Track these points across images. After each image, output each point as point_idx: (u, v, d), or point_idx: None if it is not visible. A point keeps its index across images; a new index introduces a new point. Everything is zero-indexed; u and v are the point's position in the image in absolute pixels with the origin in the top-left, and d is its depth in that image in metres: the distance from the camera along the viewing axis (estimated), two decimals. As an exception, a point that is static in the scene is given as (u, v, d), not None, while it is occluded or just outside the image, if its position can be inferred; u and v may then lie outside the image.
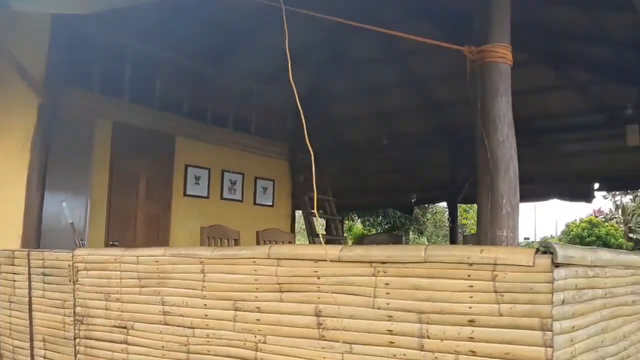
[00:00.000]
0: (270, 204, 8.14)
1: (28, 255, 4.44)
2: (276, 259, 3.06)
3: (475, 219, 20.35)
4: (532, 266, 2.33)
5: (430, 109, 10.03)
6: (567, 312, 2.45)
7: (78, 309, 4.03)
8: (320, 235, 7.27)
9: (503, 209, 2.66)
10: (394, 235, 6.09)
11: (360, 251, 2.81)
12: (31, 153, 5.09)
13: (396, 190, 11.96)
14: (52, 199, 5.64)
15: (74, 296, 4.05)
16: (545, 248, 2.33)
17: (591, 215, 16.52)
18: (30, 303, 4.33)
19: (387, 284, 2.71)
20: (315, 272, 2.92)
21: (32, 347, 4.30)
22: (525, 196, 10.44)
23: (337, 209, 11.32)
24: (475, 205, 21.41)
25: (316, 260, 2.92)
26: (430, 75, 9.07)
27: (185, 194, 7.02)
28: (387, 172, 11.93)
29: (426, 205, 17.46)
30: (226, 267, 3.27)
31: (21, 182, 5.12)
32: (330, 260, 2.86)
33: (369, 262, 2.75)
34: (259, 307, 3.13)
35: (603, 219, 16.48)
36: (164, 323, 3.55)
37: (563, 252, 2.33)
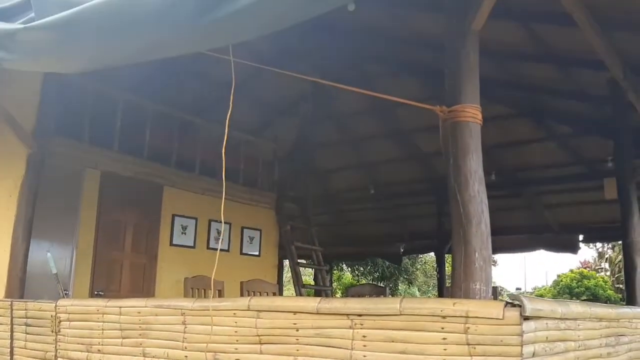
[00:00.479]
0: (257, 253, 8.17)
1: (11, 305, 4.44)
2: (256, 310, 3.11)
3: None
4: (502, 319, 2.40)
5: (416, 159, 10.21)
6: (539, 364, 2.51)
7: (59, 361, 4.01)
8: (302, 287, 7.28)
9: (476, 263, 2.74)
10: (378, 287, 6.14)
11: (337, 304, 2.87)
12: (18, 203, 5.14)
13: (384, 240, 12.04)
14: (38, 247, 5.67)
15: (55, 347, 4.04)
16: (514, 301, 2.41)
17: (579, 267, 16.62)
18: (12, 353, 4.31)
19: (364, 337, 2.76)
20: (294, 324, 2.97)
21: (11, 400, 4.25)
22: (512, 247, 10.66)
23: (325, 259, 11.35)
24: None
25: (295, 312, 2.97)
26: (415, 127, 9.27)
27: (171, 244, 7.05)
28: (375, 222, 12.03)
29: (415, 255, 17.48)
30: (207, 319, 3.30)
31: (7, 232, 5.15)
32: (309, 313, 2.91)
33: (346, 314, 2.81)
34: (238, 359, 3.15)
35: (589, 270, 16.56)
36: (144, 375, 3.54)
37: (531, 305, 2.41)
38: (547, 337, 2.59)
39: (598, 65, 5.42)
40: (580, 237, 10.49)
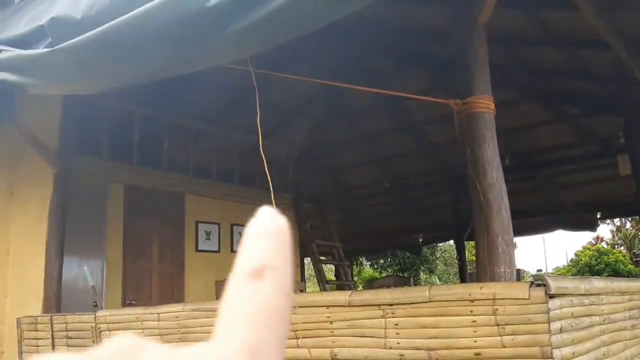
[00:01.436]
0: (279, 254, 8.31)
1: (51, 319, 4.61)
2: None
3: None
4: (528, 299, 2.51)
5: (429, 150, 10.31)
6: (566, 339, 2.63)
7: (102, 369, 4.17)
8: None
9: (499, 247, 2.86)
10: (402, 278, 6.24)
11: (368, 295, 3.00)
12: (49, 221, 5.31)
13: (402, 232, 12.17)
14: (70, 262, 5.85)
15: (98, 357, 4.20)
16: (538, 281, 2.52)
17: (591, 242, 16.61)
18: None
19: (396, 325, 2.88)
20: (328, 317, 3.10)
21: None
22: (530, 229, 10.72)
23: (344, 254, 11.50)
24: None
25: (328, 307, 3.11)
26: (426, 118, 9.37)
27: (197, 250, 7.22)
28: (391, 215, 12.15)
29: (434, 245, 17.57)
30: (244, 319, 3.44)
31: (40, 249, 5.33)
32: (341, 306, 3.05)
33: (378, 305, 2.93)
34: (277, 355, 3.29)
35: (606, 245, 16.56)
36: (186, 377, 3.69)
37: (555, 284, 2.52)
38: (572, 313, 2.71)
39: (602, 46, 5.50)
40: (598, 215, 10.56)
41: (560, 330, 2.58)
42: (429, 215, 11.69)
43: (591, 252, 16.10)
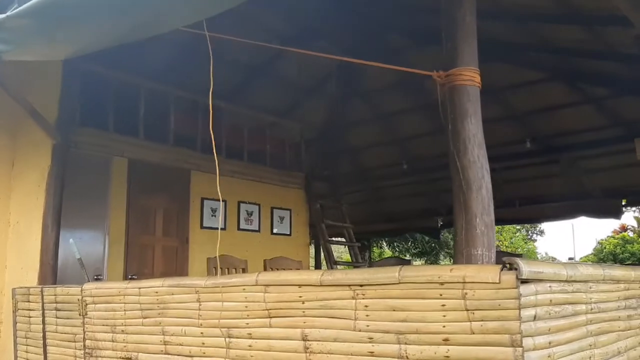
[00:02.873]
0: (288, 233, 8.23)
1: (42, 291, 4.61)
2: (264, 285, 3.14)
3: (509, 239, 19.92)
4: (499, 283, 2.35)
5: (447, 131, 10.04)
6: (542, 327, 2.46)
7: (88, 342, 4.16)
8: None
9: (477, 228, 2.69)
10: (403, 260, 6.05)
11: (339, 275, 2.87)
12: (46, 193, 5.31)
13: (421, 215, 11.94)
14: (72, 235, 5.86)
15: (83, 329, 4.19)
16: (510, 264, 2.35)
17: (616, 231, 16.06)
18: (44, 338, 4.49)
19: (366, 306, 2.75)
20: (300, 297, 2.99)
21: (46, 381, 4.44)
22: (552, 215, 10.40)
23: (361, 236, 11.36)
24: (506, 226, 21.01)
25: (300, 285, 2.99)
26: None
27: (202, 227, 7.17)
28: (410, 197, 11.93)
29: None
30: (219, 296, 3.36)
31: (38, 221, 5.33)
32: (313, 285, 2.93)
33: (348, 285, 2.80)
34: (250, 334, 3.20)
35: (632, 233, 16.01)
36: (165, 352, 3.64)
37: (528, 268, 2.35)
38: (551, 300, 2.53)
39: (624, 22, 5.19)
40: (623, 201, 10.17)
41: (535, 318, 2.41)
42: (448, 198, 11.36)
43: (616, 241, 15.63)
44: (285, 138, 8.71)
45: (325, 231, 8.28)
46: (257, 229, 7.77)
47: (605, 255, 15.15)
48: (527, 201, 10.43)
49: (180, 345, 3.55)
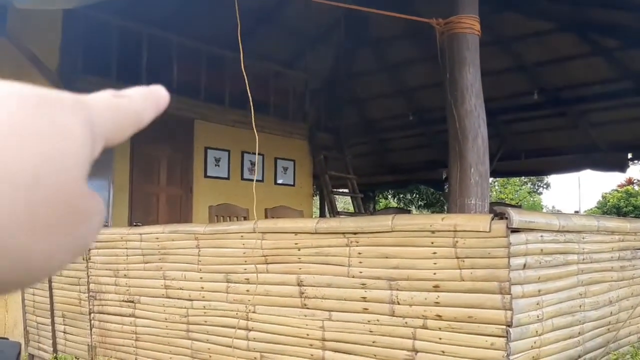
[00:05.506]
0: (292, 183, 8.28)
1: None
2: (261, 232, 3.19)
3: (513, 192, 19.89)
4: (489, 231, 2.38)
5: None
6: (531, 276, 2.50)
7: (91, 286, 4.26)
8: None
9: (471, 178, 2.70)
10: (403, 210, 6.07)
11: (334, 223, 2.91)
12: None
13: (425, 167, 11.95)
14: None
15: (87, 274, 4.28)
16: (501, 213, 2.38)
17: (622, 184, 15.94)
18: (50, 281, 4.60)
19: (359, 254, 2.80)
20: (296, 244, 3.04)
21: (53, 323, 4.58)
22: (558, 168, 10.40)
23: (366, 188, 11.41)
24: (512, 179, 20.97)
25: (296, 233, 3.04)
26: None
27: (206, 176, 7.22)
28: (415, 149, 11.92)
29: (461, 181, 17.31)
30: (218, 242, 3.42)
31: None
32: (308, 233, 2.97)
33: (342, 232, 2.85)
34: (248, 279, 3.27)
35: (637, 186, 15.87)
36: (166, 296, 3.73)
37: (519, 217, 2.37)
38: (542, 250, 2.56)
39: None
40: (629, 155, 10.13)
41: (525, 267, 2.45)
42: (453, 151, 11.40)
43: (620, 194, 15.58)
44: (289, 88, 8.64)
45: (328, 182, 8.31)
46: (260, 179, 7.81)
47: (609, 209, 15.16)
48: (533, 154, 10.40)
49: (181, 289, 3.63)
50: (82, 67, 6.14)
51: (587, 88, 9.02)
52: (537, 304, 2.53)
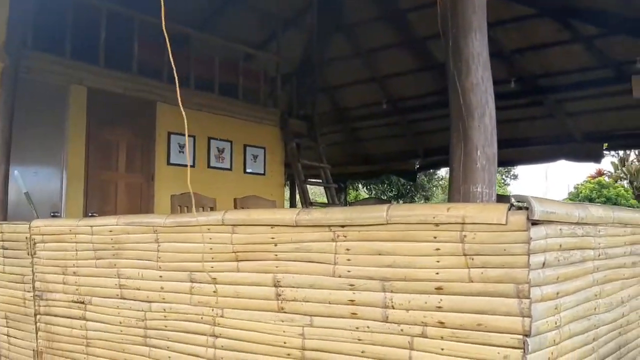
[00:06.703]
0: (262, 172, 7.83)
1: (-13, 228, 4.18)
2: (231, 225, 2.76)
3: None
4: (505, 224, 2.00)
5: (430, 69, 9.59)
6: (550, 276, 2.13)
7: (37, 284, 3.78)
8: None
9: (478, 162, 2.32)
10: (382, 201, 5.71)
11: (317, 214, 2.50)
12: (-7, 121, 4.79)
13: (398, 157, 11.65)
14: (28, 170, 5.41)
15: (32, 270, 3.80)
16: (520, 203, 2.00)
17: (592, 175, 15.98)
18: (-10, 279, 4.09)
19: (348, 250, 2.40)
20: (272, 238, 2.62)
21: (-6, 325, 4.07)
22: (532, 158, 10.21)
23: (338, 178, 11.03)
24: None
25: (272, 226, 2.62)
26: (428, 33, 8.62)
27: (169, 163, 6.72)
28: (388, 138, 11.61)
29: (432, 171, 17.10)
30: (180, 236, 2.98)
31: (-15, 152, 4.83)
32: (287, 225, 2.56)
33: (328, 225, 2.44)
34: (215, 278, 2.84)
35: (608, 178, 15.96)
36: (120, 297, 3.28)
37: (541, 208, 2.00)
38: (560, 245, 2.20)
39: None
40: (605, 146, 9.99)
41: (544, 265, 2.08)
42: (427, 140, 11.12)
43: (592, 185, 15.59)
44: (260, 72, 8.18)
45: (301, 171, 7.90)
46: (229, 167, 7.35)
47: (581, 200, 15.14)
48: (507, 143, 10.15)
49: (138, 289, 3.18)
50: (32, 43, 5.59)
51: (565, 76, 8.82)
52: (556, 308, 2.17)
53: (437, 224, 2.14)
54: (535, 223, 2.02)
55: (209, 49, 7.54)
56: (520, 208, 2.01)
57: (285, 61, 8.66)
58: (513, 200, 2.01)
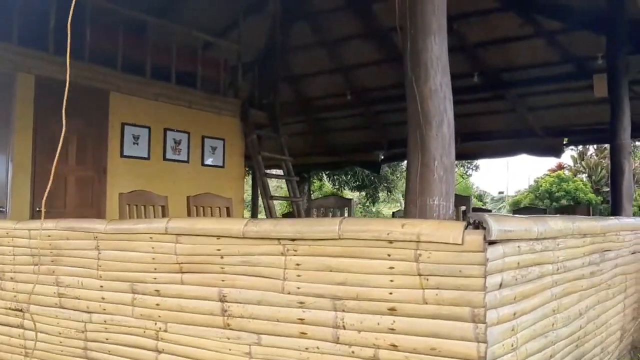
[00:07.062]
0: (221, 164, 7.61)
1: None
2: (175, 234, 2.59)
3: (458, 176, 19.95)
4: (461, 244, 1.89)
5: (395, 60, 9.45)
6: (507, 296, 2.04)
7: (-28, 290, 3.53)
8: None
9: (435, 173, 2.21)
10: (343, 199, 5.61)
11: (266, 226, 2.35)
12: None
13: (362, 148, 11.55)
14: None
15: (-34, 275, 3.55)
16: (476, 220, 1.89)
17: (553, 169, 16.25)
18: None
19: (298, 265, 2.26)
20: (218, 250, 2.47)
21: None
22: (494, 152, 10.21)
23: (301, 169, 10.87)
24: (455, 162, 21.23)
25: (219, 237, 2.46)
26: (395, 26, 8.48)
27: (122, 155, 6.45)
28: (352, 129, 11.50)
29: (396, 163, 17.10)
30: (122, 244, 2.80)
31: None
32: (234, 237, 2.40)
33: (277, 238, 2.30)
34: (158, 290, 2.67)
35: (568, 171, 16.24)
36: (59, 306, 3.08)
37: (498, 226, 1.89)
38: (518, 263, 2.11)
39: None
40: (565, 140, 10.09)
41: (500, 286, 1.99)
42: (392, 132, 11.03)
43: (552, 179, 15.79)
44: (220, 60, 7.93)
45: (261, 163, 7.71)
46: (185, 159, 7.11)
47: (542, 193, 15.33)
48: (469, 137, 10.14)
49: (77, 299, 2.99)
50: (-26, 26, 5.25)
51: (527, 71, 8.82)
52: (512, 329, 2.08)
53: (391, 241, 2.02)
54: (491, 242, 1.92)
55: (167, 36, 7.25)
56: (477, 226, 1.90)
57: (246, 49, 8.42)
58: (470, 218, 1.90)
